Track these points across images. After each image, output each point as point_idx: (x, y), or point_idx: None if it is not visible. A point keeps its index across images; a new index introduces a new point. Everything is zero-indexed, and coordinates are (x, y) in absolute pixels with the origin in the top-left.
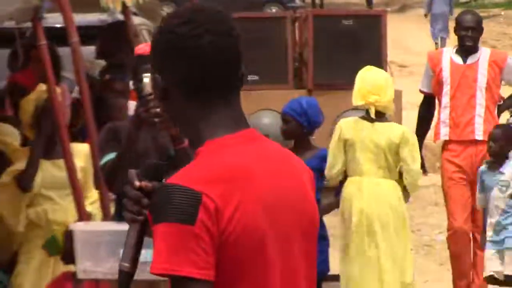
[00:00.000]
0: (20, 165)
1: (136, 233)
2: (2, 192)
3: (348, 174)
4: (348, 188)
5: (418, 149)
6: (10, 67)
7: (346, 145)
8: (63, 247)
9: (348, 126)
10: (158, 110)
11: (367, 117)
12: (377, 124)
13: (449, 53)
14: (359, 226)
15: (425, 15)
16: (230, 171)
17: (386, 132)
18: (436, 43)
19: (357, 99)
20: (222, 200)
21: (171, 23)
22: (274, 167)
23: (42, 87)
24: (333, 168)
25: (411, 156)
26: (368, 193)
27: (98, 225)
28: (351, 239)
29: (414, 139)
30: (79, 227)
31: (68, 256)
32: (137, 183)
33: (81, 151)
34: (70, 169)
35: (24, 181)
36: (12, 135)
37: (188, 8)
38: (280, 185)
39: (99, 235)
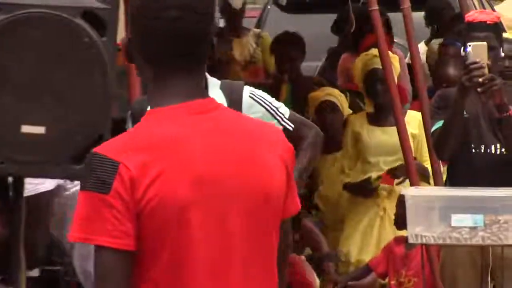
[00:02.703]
0: None
1: None
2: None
3: None
4: None
5: None
6: (335, 31)
7: None
8: (396, 213)
9: None
10: (480, 80)
11: None
12: None
13: None
14: None
15: None
16: (155, 140)
17: None
18: None
19: None
20: (140, 170)
21: None
22: (216, 140)
23: (372, 52)
24: None
25: None
26: None
27: (430, 190)
28: None
29: None
30: (411, 192)
31: (401, 221)
32: None
33: (414, 117)
34: (402, 135)
35: None
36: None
37: None
38: (217, 159)
39: (431, 200)
